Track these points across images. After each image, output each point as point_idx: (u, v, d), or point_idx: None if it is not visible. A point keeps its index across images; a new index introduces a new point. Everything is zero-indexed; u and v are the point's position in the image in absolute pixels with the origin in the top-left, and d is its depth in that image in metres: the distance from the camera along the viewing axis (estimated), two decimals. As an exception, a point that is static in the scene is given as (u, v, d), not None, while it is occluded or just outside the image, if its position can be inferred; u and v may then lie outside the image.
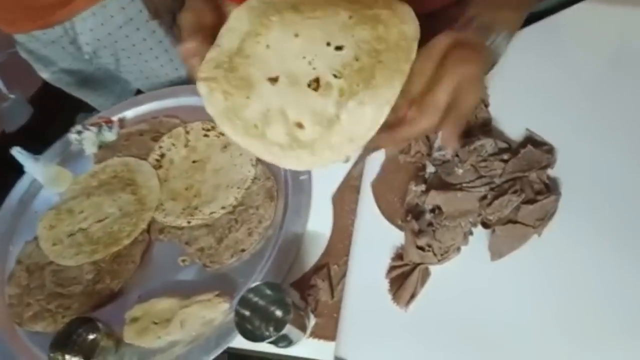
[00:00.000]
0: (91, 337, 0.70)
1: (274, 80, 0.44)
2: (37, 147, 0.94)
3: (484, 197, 0.48)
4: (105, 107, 1.08)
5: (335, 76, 0.42)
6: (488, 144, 0.49)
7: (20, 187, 0.95)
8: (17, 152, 0.85)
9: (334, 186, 0.80)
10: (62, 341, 0.69)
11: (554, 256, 0.44)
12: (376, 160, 0.70)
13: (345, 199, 0.78)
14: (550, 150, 0.48)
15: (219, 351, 0.66)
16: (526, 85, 0.56)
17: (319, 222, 0.77)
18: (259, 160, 0.85)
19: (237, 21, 0.48)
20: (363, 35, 0.43)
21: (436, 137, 0.62)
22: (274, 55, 0.45)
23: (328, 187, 0.80)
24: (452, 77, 0.41)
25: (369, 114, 0.41)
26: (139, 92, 1.22)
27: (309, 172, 0.82)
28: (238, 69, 0.45)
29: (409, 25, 0.44)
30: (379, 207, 0.63)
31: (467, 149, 0.50)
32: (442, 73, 0.41)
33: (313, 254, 0.74)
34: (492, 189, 0.48)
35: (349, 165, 0.81)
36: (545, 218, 0.44)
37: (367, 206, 0.66)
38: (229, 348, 0.67)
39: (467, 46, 0.42)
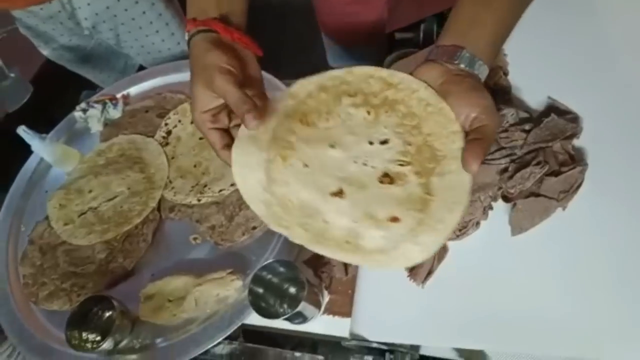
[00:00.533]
0: (107, 314, 0.71)
1: (339, 193, 0.42)
2: (43, 126, 0.93)
3: (505, 170, 0.46)
4: (108, 84, 1.06)
5: (401, 165, 0.41)
6: (509, 114, 0.47)
7: (28, 167, 0.94)
8: (23, 131, 0.84)
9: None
10: (79, 319, 0.69)
11: (579, 231, 0.42)
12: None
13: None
14: (575, 119, 0.46)
15: (233, 328, 0.66)
16: (548, 51, 0.53)
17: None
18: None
19: (243, 156, 0.46)
20: (393, 121, 0.43)
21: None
22: (320, 171, 0.43)
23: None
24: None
25: (455, 178, 0.40)
26: (141, 68, 1.20)
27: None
28: (290, 199, 0.43)
29: (417, 85, 0.43)
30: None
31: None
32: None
33: (325, 231, 0.73)
34: (513, 161, 0.46)
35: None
36: (570, 190, 0.42)
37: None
38: (243, 325, 0.67)
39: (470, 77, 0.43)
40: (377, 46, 0.95)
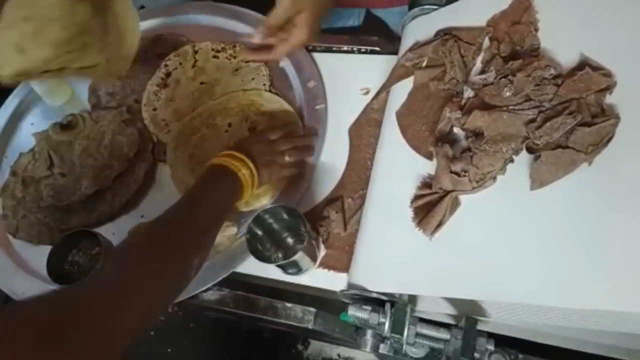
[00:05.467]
0: (93, 251, 0.68)
1: None
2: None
3: (532, 121, 0.45)
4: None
5: None
6: (546, 73, 0.45)
7: (15, 97, 0.89)
8: (13, 56, 0.79)
9: (351, 118, 0.76)
10: (63, 253, 0.66)
11: (603, 189, 0.40)
12: (402, 90, 0.66)
13: (363, 132, 0.74)
14: (608, 74, 0.44)
15: (225, 274, 0.64)
16: (580, 6, 0.51)
17: (333, 154, 0.73)
18: (272, 86, 0.81)
19: None
20: None
21: (474, 63, 0.58)
22: None
23: (345, 118, 0.76)
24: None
25: None
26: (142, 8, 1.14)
27: (325, 102, 0.78)
28: None
29: None
30: (405, 136, 0.59)
31: (521, 76, 0.46)
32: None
33: (326, 186, 0.71)
34: (542, 112, 0.44)
35: (368, 97, 0.77)
36: (599, 144, 0.41)
37: (391, 136, 0.62)
38: (234, 275, 0.65)
39: None
40: None
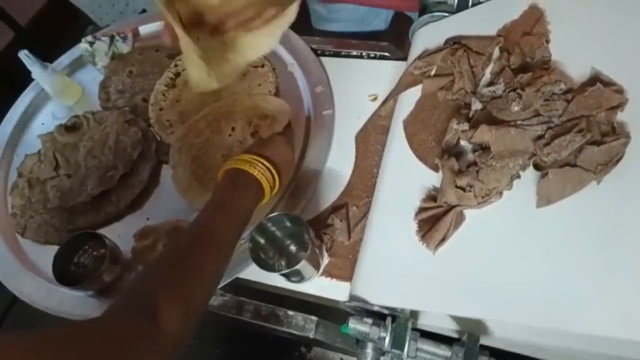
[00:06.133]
0: (98, 253, 0.68)
1: None
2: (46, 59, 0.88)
3: (540, 137, 0.44)
4: (107, 21, 1.01)
5: None
6: (553, 85, 0.44)
7: (26, 96, 0.90)
8: (25, 55, 0.79)
9: (359, 125, 0.75)
10: (68, 255, 0.67)
11: (612, 209, 0.39)
12: (410, 98, 0.65)
13: (370, 139, 0.73)
14: (620, 90, 0.43)
15: (228, 280, 0.64)
16: (593, 18, 0.50)
17: (340, 160, 0.73)
18: (277, 91, 0.80)
19: None
20: None
21: (483, 73, 0.57)
22: None
23: (352, 125, 0.75)
24: None
25: None
26: (144, 13, 1.15)
27: (332, 107, 0.77)
28: None
29: None
30: (411, 145, 0.59)
31: (530, 91, 0.45)
32: None
33: (331, 193, 0.71)
34: (550, 128, 0.43)
35: (376, 104, 0.76)
36: (609, 163, 0.40)
37: (397, 145, 0.62)
38: (237, 280, 0.65)
39: None
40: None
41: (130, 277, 0.69)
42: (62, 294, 0.67)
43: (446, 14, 0.67)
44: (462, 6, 0.65)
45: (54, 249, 0.67)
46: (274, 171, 0.58)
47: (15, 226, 0.75)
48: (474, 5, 0.64)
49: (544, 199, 0.43)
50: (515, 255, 0.45)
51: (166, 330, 0.39)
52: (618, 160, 0.40)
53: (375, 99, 0.77)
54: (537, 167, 0.44)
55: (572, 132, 0.41)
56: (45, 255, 0.69)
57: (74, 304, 0.67)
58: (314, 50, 0.83)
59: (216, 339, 0.84)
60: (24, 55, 0.79)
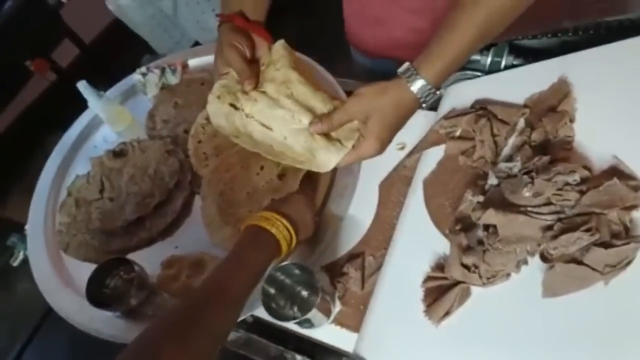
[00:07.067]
0: (127, 277, 0.73)
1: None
2: (100, 83, 0.96)
3: (549, 228, 0.43)
4: (163, 50, 1.08)
5: None
6: (570, 179, 0.43)
7: (82, 120, 0.98)
8: (83, 86, 0.87)
9: (383, 172, 0.76)
10: (101, 276, 0.72)
11: (618, 311, 0.38)
12: (434, 156, 0.65)
13: (393, 189, 0.74)
14: (638, 187, 0.42)
15: (242, 317, 0.67)
16: (622, 105, 0.48)
17: (361, 208, 0.74)
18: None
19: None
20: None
21: (505, 144, 0.56)
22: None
23: (378, 172, 0.76)
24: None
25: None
26: (197, 44, 1.22)
27: (360, 154, 0.78)
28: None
29: None
30: (428, 208, 0.59)
31: (543, 178, 0.44)
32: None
33: (350, 240, 0.72)
34: (560, 220, 0.43)
35: (402, 154, 0.76)
36: (617, 266, 0.38)
37: (416, 204, 0.62)
38: (254, 316, 0.67)
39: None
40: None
41: (155, 300, 0.73)
42: (92, 312, 0.72)
43: (478, 74, 0.67)
44: (494, 68, 0.65)
45: (90, 266, 0.73)
46: (292, 230, 0.60)
47: (60, 242, 0.82)
48: (506, 68, 0.64)
49: (550, 291, 0.42)
50: (517, 340, 0.44)
51: None
52: (628, 264, 0.38)
53: (403, 147, 0.77)
54: (543, 258, 0.44)
55: (580, 229, 0.40)
56: (81, 272, 0.76)
57: (103, 322, 0.72)
58: (348, 93, 0.85)
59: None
60: (82, 86, 0.87)
